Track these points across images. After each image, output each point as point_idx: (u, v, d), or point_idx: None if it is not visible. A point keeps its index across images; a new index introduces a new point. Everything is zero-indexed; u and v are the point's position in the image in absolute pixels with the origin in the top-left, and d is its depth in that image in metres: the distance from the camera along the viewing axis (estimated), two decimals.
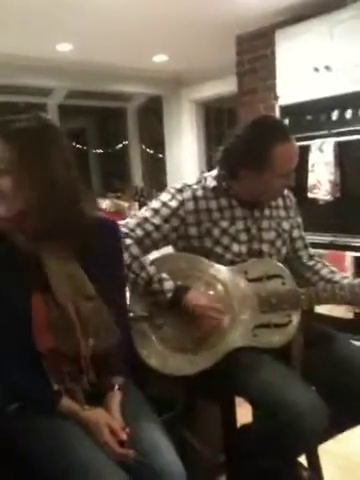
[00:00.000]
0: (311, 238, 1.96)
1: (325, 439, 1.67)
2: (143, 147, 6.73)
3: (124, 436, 1.23)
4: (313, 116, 3.46)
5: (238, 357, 1.60)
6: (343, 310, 3.02)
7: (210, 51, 4.53)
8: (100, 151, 7.22)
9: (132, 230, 1.69)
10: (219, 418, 1.75)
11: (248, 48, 4.20)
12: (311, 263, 1.87)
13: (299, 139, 1.80)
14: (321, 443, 1.72)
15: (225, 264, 1.69)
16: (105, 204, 5.12)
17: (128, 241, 1.65)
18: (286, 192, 1.85)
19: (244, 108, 4.28)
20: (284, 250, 1.81)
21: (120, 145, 6.90)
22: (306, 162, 3.40)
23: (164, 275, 1.64)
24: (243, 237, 1.71)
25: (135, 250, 1.65)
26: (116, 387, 1.35)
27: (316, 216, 3.18)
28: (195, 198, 1.70)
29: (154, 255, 1.74)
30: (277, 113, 3.70)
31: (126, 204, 5.30)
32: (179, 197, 1.70)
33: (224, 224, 1.70)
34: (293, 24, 3.62)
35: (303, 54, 3.51)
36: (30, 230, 1.27)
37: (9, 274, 1.27)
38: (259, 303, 1.65)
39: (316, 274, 1.83)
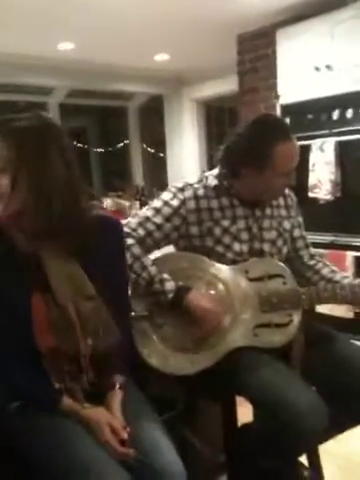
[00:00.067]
0: (312, 238, 1.96)
1: (325, 439, 1.67)
2: (144, 146, 6.73)
3: (125, 435, 1.23)
4: (314, 115, 3.46)
5: (239, 357, 1.60)
6: (344, 310, 3.02)
7: (211, 50, 4.53)
8: (101, 150, 7.22)
9: (134, 230, 1.69)
10: (220, 418, 1.75)
11: (249, 47, 4.19)
12: (312, 263, 1.87)
13: (300, 138, 1.79)
14: (321, 443, 1.72)
15: (226, 263, 1.68)
16: (106, 203, 5.12)
17: (130, 241, 1.65)
18: (287, 191, 1.85)
19: (245, 107, 4.28)
20: (285, 249, 1.81)
21: (121, 144, 6.89)
22: (307, 161, 3.39)
23: (165, 275, 1.64)
24: (244, 236, 1.71)
25: (137, 250, 1.65)
26: (117, 386, 1.35)
27: (317, 216, 3.17)
28: (196, 197, 1.70)
29: (155, 254, 1.74)
30: (278, 112, 3.70)
31: (127, 203, 5.30)
32: (180, 196, 1.70)
33: (225, 223, 1.70)
34: (294, 23, 3.62)
35: (304, 53, 3.51)
36: (29, 230, 1.27)
37: (9, 274, 1.27)
38: (260, 302, 1.65)
39: (317, 274, 1.83)
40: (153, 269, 1.64)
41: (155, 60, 4.99)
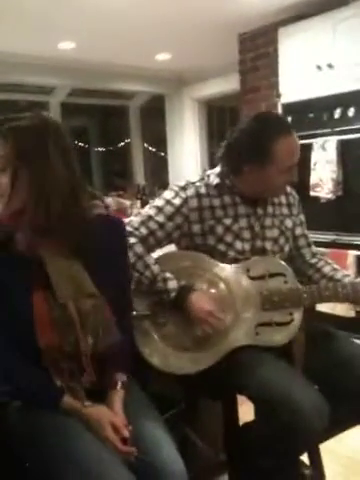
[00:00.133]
0: (313, 237, 1.96)
1: (327, 438, 1.67)
2: (145, 145, 6.73)
3: (127, 433, 1.23)
4: (315, 114, 3.45)
5: (240, 355, 1.60)
6: (345, 308, 3.02)
7: (213, 49, 4.53)
8: (102, 149, 7.22)
9: (136, 228, 1.68)
10: (221, 416, 1.75)
11: (250, 46, 4.19)
12: (313, 261, 1.87)
13: (301, 137, 1.79)
14: (323, 442, 1.71)
15: (228, 262, 1.68)
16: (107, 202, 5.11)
17: (132, 240, 1.65)
18: (289, 189, 1.85)
19: (246, 106, 4.28)
20: (287, 248, 1.80)
21: (122, 143, 6.89)
22: (308, 160, 3.39)
23: (168, 274, 1.64)
24: (246, 235, 1.71)
25: (139, 249, 1.65)
26: (119, 385, 1.35)
27: (318, 214, 3.16)
28: (198, 195, 1.70)
29: (157, 253, 1.74)
30: (279, 111, 3.70)
31: (128, 202, 5.29)
32: (182, 195, 1.70)
33: (227, 221, 1.70)
34: (295, 22, 3.61)
35: (305, 52, 3.51)
36: (30, 228, 1.27)
37: (10, 272, 1.27)
38: (261, 301, 1.64)
39: (318, 272, 1.83)
40: (156, 268, 1.64)
41: (156, 59, 4.99)
